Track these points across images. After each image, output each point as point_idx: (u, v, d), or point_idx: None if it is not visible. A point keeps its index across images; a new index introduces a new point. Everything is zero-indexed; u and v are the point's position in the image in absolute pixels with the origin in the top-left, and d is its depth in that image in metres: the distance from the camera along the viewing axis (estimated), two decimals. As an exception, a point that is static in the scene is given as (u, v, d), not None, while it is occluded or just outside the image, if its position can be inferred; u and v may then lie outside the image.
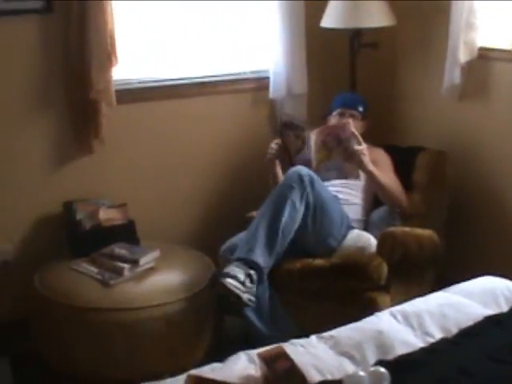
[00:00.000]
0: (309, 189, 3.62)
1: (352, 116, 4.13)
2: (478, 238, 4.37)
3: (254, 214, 3.83)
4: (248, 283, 3.42)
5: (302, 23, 4.39)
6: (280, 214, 3.55)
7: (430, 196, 4.14)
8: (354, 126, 3.87)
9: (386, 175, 3.95)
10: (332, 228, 3.79)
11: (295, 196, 3.58)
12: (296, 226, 3.62)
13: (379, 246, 3.73)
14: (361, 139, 3.79)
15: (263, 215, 3.58)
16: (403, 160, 4.24)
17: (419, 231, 3.84)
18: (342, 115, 4.14)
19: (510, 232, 4.15)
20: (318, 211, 3.69)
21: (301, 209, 3.62)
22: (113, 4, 3.89)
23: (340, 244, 3.84)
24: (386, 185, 3.89)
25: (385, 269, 3.64)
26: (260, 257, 3.49)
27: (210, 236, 4.27)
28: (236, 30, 4.50)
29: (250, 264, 3.46)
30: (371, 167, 3.81)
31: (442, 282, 3.87)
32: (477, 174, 4.31)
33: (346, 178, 3.91)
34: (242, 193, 4.46)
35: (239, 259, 3.48)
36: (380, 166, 3.97)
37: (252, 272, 3.45)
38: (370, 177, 3.86)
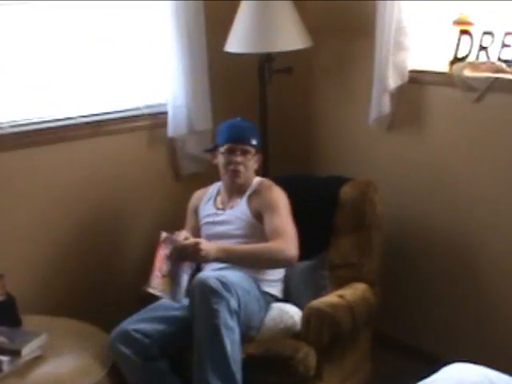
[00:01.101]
0: (228, 295, 3.05)
1: (244, 153, 3.52)
2: (414, 281, 4.04)
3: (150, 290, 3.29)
4: None
5: (204, 48, 3.96)
6: (222, 351, 2.99)
7: (360, 239, 3.60)
8: (245, 164, 3.50)
9: (276, 220, 3.41)
10: (251, 320, 3.24)
11: (224, 316, 3.01)
12: (239, 343, 3.07)
13: (304, 328, 3.23)
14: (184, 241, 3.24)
15: (203, 364, 2.99)
16: (323, 194, 3.72)
17: (349, 296, 3.35)
18: (231, 152, 3.51)
19: (451, 272, 3.88)
20: (240, 311, 3.14)
21: (234, 323, 3.05)
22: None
23: (259, 329, 3.29)
24: (250, 256, 3.33)
25: (313, 358, 3.15)
26: None
27: (106, 305, 3.76)
28: (127, 60, 3.97)
29: None
30: (215, 254, 3.21)
31: (377, 335, 3.68)
32: (410, 212, 4.00)
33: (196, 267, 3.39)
34: (139, 251, 3.92)
35: None
36: (271, 210, 3.44)
37: None
38: (222, 262, 3.32)
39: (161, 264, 3.19)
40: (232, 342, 3.00)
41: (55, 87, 3.78)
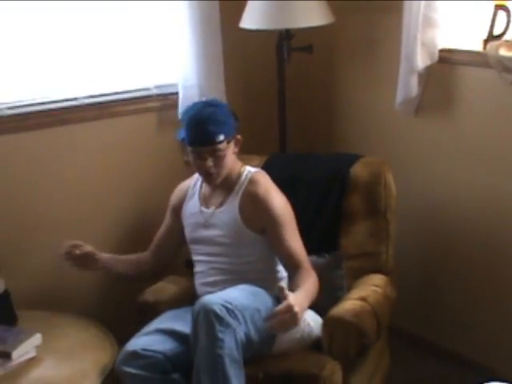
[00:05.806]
0: (235, 323, 2.72)
1: (214, 152, 3.02)
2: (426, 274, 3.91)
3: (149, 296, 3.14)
4: None
5: (218, 24, 3.75)
6: None
7: (376, 225, 3.34)
8: (219, 163, 3.04)
9: (289, 240, 3.03)
10: (263, 337, 2.88)
11: (229, 346, 2.67)
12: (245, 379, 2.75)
13: (327, 341, 2.91)
14: None
15: None
16: (331, 175, 3.44)
17: (371, 298, 3.02)
18: (199, 157, 3.06)
19: (477, 265, 3.71)
20: (250, 336, 2.83)
21: (241, 356, 2.72)
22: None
23: (273, 343, 2.96)
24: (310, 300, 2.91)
25: (339, 374, 2.86)
26: None
27: (111, 298, 3.59)
28: (137, 37, 3.76)
29: None
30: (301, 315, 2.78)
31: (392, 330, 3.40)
32: (436, 202, 3.81)
33: None
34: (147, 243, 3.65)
35: None
36: (277, 224, 3.05)
37: None
38: None
39: None
40: (238, 377, 2.68)
41: (59, 66, 3.56)
